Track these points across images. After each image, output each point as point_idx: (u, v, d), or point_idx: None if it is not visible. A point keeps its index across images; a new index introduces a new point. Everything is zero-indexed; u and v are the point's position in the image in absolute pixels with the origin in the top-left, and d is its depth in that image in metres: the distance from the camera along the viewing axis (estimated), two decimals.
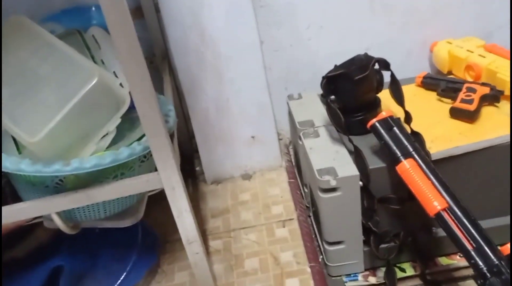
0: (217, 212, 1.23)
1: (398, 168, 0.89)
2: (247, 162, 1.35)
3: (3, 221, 0.79)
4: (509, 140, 0.94)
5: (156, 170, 0.80)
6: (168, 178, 0.79)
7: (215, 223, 1.19)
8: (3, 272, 1.01)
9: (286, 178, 1.31)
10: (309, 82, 1.34)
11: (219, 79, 1.23)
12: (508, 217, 1.01)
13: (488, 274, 0.79)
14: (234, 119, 1.29)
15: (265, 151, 1.34)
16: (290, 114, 1.27)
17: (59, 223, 0.84)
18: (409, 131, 0.95)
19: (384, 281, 1.01)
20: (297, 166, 1.33)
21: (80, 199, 0.80)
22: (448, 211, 0.84)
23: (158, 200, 1.02)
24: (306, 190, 1.21)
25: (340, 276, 1.04)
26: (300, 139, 1.11)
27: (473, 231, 0.83)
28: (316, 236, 1.13)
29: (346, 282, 1.03)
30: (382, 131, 0.93)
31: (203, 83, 1.23)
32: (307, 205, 1.22)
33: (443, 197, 0.85)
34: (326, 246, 1.02)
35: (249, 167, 1.36)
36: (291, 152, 1.41)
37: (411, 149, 0.90)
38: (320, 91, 1.09)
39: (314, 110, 1.19)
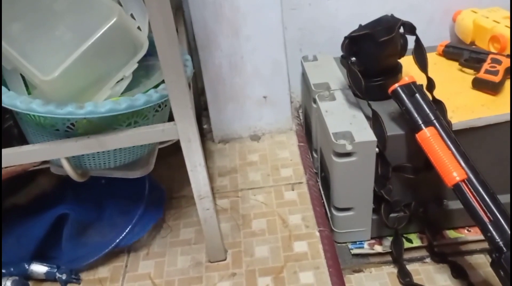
0: (225, 171, 1.21)
1: (418, 136, 0.88)
2: (256, 123, 1.32)
3: (12, 163, 0.76)
4: None
5: (170, 121, 0.78)
6: (185, 129, 0.76)
7: (222, 182, 1.17)
8: (4, 218, 0.99)
9: (296, 142, 1.29)
10: (325, 44, 1.32)
11: (235, 34, 1.19)
12: None
13: (504, 248, 0.78)
14: (247, 77, 1.25)
15: (276, 112, 1.31)
16: (304, 75, 1.24)
17: (68, 169, 0.81)
18: (431, 98, 0.93)
19: (390, 250, 1.01)
20: (307, 130, 1.31)
21: (91, 145, 0.77)
22: (467, 183, 0.83)
23: (163, 156, 1.00)
24: (315, 155, 1.19)
25: (346, 242, 1.04)
26: (315, 101, 1.08)
27: (491, 204, 0.82)
28: (323, 201, 1.11)
29: (351, 249, 1.03)
30: (404, 97, 0.91)
31: (219, 38, 1.19)
32: (316, 170, 1.20)
33: (462, 168, 0.84)
34: (335, 212, 1.01)
35: (258, 128, 1.33)
36: (301, 116, 1.38)
37: (432, 117, 0.88)
38: (337, 55, 1.05)
39: (330, 73, 1.17)
